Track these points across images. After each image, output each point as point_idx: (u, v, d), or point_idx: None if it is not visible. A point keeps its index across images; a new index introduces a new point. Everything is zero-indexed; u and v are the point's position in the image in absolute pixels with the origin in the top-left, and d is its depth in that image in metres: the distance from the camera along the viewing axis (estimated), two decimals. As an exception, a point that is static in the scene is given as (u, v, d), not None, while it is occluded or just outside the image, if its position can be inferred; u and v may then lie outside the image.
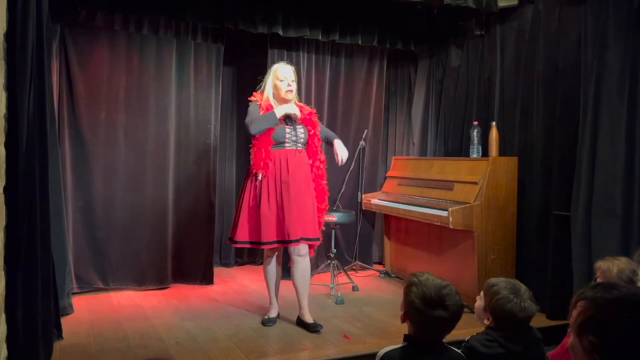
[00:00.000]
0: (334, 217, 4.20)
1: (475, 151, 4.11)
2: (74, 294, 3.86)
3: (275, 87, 3.38)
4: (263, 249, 3.39)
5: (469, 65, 4.54)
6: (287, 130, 3.34)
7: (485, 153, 4.07)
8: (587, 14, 3.35)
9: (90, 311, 3.65)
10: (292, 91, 3.38)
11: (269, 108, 3.33)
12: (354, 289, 4.32)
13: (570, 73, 3.52)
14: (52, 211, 2.88)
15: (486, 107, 4.33)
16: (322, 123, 3.68)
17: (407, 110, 5.30)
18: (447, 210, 3.68)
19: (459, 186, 3.94)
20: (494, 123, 4.05)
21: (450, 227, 3.66)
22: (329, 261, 4.37)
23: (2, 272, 2.21)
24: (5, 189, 2.21)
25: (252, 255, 5.20)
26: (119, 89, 4.15)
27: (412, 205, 4.15)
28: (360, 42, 4.58)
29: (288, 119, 3.38)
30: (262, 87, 3.45)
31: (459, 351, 1.84)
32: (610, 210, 3.16)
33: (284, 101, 3.38)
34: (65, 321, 3.26)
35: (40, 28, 2.49)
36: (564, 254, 3.44)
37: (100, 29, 4.07)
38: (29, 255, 2.35)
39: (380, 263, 5.21)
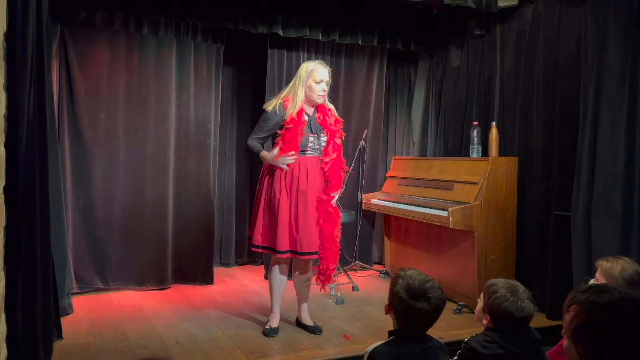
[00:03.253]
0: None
1: (475, 151, 4.11)
2: (74, 294, 3.86)
3: (310, 88, 3.20)
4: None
5: (469, 65, 4.54)
6: (311, 139, 3.22)
7: (485, 153, 4.07)
8: (587, 14, 3.35)
9: (90, 311, 3.65)
10: (324, 96, 3.23)
11: (299, 115, 3.16)
12: (354, 289, 4.32)
13: (570, 73, 3.52)
14: (52, 211, 2.87)
15: (486, 107, 4.33)
16: None
17: (407, 110, 5.30)
18: (447, 210, 3.68)
19: (459, 186, 3.94)
20: (494, 123, 4.05)
21: (450, 227, 3.66)
22: (329, 261, 4.36)
23: (2, 272, 2.21)
24: (5, 189, 2.21)
25: (252, 255, 5.19)
26: (119, 89, 4.15)
27: (412, 205, 4.15)
28: (360, 42, 4.58)
29: (313, 126, 3.24)
30: (290, 87, 3.27)
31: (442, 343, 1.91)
32: (610, 210, 3.15)
33: (312, 104, 3.25)
34: (65, 321, 3.27)
35: (40, 28, 2.49)
36: (564, 254, 3.44)
37: (100, 29, 4.07)
38: (29, 255, 2.35)
39: (380, 263, 5.21)
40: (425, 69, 5.09)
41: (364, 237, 5.09)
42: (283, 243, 3.15)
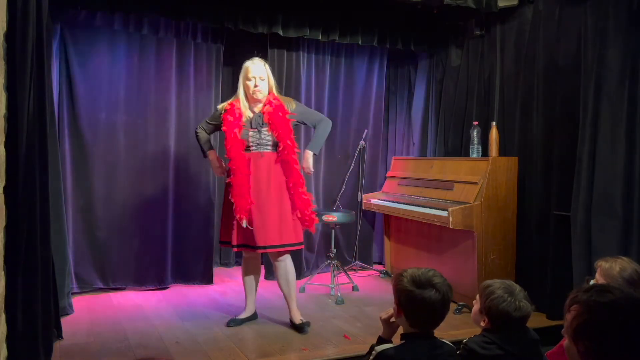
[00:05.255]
0: (334, 217, 4.19)
1: (475, 151, 4.11)
2: (74, 294, 3.86)
3: (246, 86, 3.27)
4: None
5: (469, 65, 4.54)
6: (251, 133, 3.26)
7: (485, 153, 4.07)
8: (587, 14, 3.35)
9: (90, 311, 3.65)
10: (260, 91, 3.26)
11: (239, 113, 3.26)
12: (354, 289, 4.32)
13: (570, 73, 3.52)
14: (52, 211, 2.88)
15: (486, 107, 4.33)
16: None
17: (407, 110, 5.30)
18: (447, 210, 3.68)
19: (459, 186, 3.94)
20: (494, 123, 4.04)
21: (450, 227, 3.66)
22: (329, 261, 4.37)
23: (2, 272, 2.21)
24: (5, 189, 2.22)
25: (252, 255, 5.20)
26: (119, 89, 4.15)
27: (412, 205, 4.15)
28: (360, 42, 4.58)
29: (254, 121, 3.27)
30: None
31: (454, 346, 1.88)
32: (610, 210, 3.15)
33: (254, 101, 3.30)
34: (65, 321, 3.26)
35: (40, 28, 2.49)
36: (564, 254, 3.44)
37: (100, 29, 4.07)
38: (29, 255, 2.35)
39: (380, 263, 5.21)
40: (425, 69, 5.08)
41: (364, 237, 5.09)
42: (234, 237, 3.30)
